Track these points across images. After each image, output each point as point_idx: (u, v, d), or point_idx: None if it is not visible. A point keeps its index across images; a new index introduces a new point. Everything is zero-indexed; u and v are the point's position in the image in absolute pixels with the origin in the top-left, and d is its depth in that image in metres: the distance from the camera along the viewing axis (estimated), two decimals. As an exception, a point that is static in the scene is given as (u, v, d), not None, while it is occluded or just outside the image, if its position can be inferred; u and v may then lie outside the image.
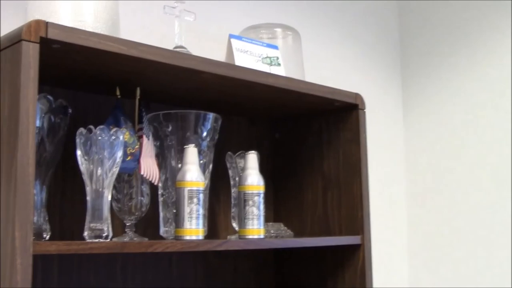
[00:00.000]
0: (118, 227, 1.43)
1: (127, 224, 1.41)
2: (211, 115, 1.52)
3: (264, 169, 1.67)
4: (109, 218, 1.20)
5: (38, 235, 1.21)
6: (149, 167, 1.35)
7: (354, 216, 1.68)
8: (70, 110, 1.32)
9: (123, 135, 1.25)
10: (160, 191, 1.49)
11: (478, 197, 2.38)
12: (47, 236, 1.24)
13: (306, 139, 1.85)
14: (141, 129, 1.38)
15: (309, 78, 1.73)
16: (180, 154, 1.43)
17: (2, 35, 1.12)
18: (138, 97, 1.41)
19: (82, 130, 1.21)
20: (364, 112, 1.73)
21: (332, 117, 1.77)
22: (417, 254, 2.55)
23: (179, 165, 1.45)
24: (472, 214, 2.39)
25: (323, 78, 1.88)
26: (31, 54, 1.03)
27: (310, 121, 1.84)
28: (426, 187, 2.55)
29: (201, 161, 1.48)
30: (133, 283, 1.57)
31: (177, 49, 1.48)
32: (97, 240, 1.16)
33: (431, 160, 2.55)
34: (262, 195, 1.47)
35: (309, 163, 1.83)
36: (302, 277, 1.82)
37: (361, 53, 2.49)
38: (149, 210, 1.44)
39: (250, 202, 1.45)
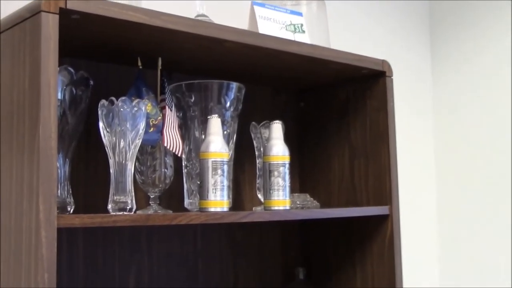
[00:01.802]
0: (142, 200, 1.43)
1: (151, 196, 1.40)
2: (234, 85, 1.49)
3: (289, 139, 1.64)
4: (133, 191, 1.19)
5: (62, 208, 1.21)
6: (172, 139, 1.33)
7: (382, 186, 1.65)
8: (91, 82, 1.30)
9: (145, 106, 1.24)
10: (184, 163, 1.48)
11: (510, 165, 2.34)
12: (71, 209, 1.24)
13: (332, 108, 1.82)
14: (163, 100, 1.37)
15: (334, 45, 1.69)
16: (204, 125, 1.41)
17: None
18: (160, 67, 1.39)
19: (104, 102, 1.20)
20: (392, 80, 1.69)
21: (359, 85, 1.74)
22: (447, 224, 2.52)
23: (203, 136, 1.43)
24: (504, 184, 2.35)
25: (349, 45, 1.84)
26: (50, 25, 1.02)
27: (336, 90, 1.81)
28: (456, 156, 2.51)
29: (225, 132, 1.46)
30: (158, 256, 1.57)
31: (199, 18, 1.45)
32: (121, 213, 1.15)
33: (460, 127, 2.50)
34: (287, 166, 1.45)
35: (335, 132, 1.80)
36: (329, 248, 1.81)
37: (388, 20, 2.43)
38: (173, 182, 1.43)
39: (276, 173, 1.44)
